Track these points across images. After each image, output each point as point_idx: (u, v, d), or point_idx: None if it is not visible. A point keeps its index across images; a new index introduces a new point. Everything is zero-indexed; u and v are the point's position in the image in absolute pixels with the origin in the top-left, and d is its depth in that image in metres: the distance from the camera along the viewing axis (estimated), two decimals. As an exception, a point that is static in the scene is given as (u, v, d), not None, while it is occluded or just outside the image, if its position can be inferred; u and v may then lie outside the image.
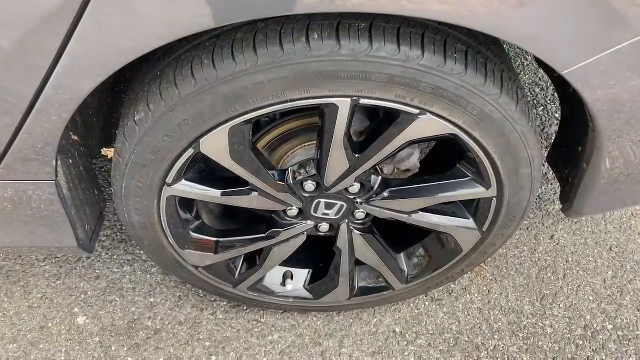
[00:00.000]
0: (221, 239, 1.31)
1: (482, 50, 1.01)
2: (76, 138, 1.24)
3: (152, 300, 1.60)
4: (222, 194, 1.17)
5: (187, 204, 1.27)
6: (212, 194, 1.17)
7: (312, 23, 0.91)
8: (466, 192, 1.19)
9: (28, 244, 1.25)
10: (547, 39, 0.88)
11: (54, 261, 1.66)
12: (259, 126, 1.25)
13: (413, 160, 1.25)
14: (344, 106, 0.98)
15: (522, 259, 1.74)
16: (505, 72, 1.04)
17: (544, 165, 1.71)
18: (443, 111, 0.99)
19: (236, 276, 1.41)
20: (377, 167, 1.26)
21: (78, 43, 0.83)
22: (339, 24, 0.91)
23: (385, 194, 1.21)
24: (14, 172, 1.05)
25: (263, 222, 1.31)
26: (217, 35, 0.96)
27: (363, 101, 0.97)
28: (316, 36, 0.90)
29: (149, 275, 1.65)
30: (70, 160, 1.19)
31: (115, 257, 1.69)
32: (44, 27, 0.82)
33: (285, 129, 1.25)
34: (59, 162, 1.08)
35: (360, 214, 1.27)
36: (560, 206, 1.36)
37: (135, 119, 1.03)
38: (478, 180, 1.17)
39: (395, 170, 1.28)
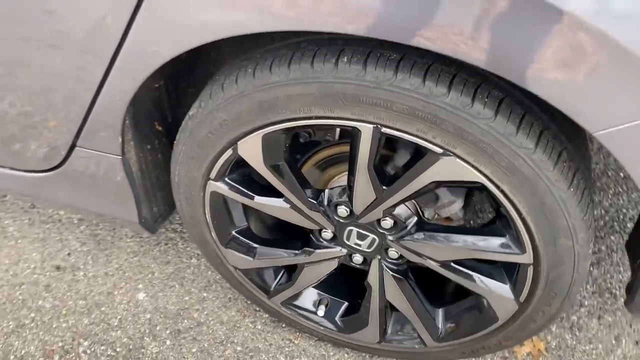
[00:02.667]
0: (259, 246, 1.37)
1: (526, 101, 0.96)
2: (160, 128, 1.41)
3: (204, 294, 1.71)
4: (256, 199, 1.23)
5: (238, 205, 1.35)
6: (248, 197, 1.24)
7: (347, 48, 0.96)
8: (500, 253, 1.11)
9: (94, 208, 1.44)
10: (580, 94, 0.82)
11: (137, 240, 1.86)
12: (313, 144, 1.30)
13: (454, 209, 1.20)
14: (366, 132, 0.99)
15: (593, 357, 1.53)
16: (551, 130, 0.97)
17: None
18: (468, 155, 0.96)
19: (271, 288, 1.45)
20: (419, 208, 1.23)
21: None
22: (371, 52, 0.94)
23: (418, 236, 1.17)
24: (89, 142, 1.24)
25: (300, 239, 1.35)
26: (266, 50, 1.04)
27: (385, 130, 0.98)
28: (345, 59, 0.94)
29: (210, 272, 1.76)
30: (149, 146, 1.36)
31: (188, 248, 1.84)
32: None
33: (336, 151, 1.28)
34: (130, 142, 1.24)
35: (393, 253, 1.24)
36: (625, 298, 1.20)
37: (190, 113, 1.15)
38: (513, 242, 1.08)
39: (436, 215, 1.24)
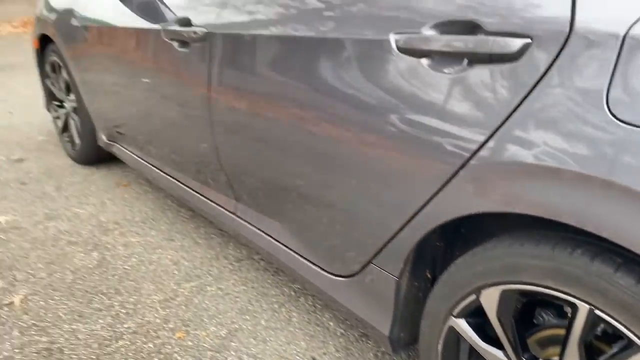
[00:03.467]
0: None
1: None
2: (428, 276, 1.86)
3: None
4: (482, 344, 1.53)
5: (466, 345, 1.64)
6: (476, 340, 1.55)
7: (582, 242, 1.28)
8: None
9: (359, 312, 1.91)
10: None
11: (313, 300, 2.25)
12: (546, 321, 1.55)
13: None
14: (582, 310, 1.26)
15: None
16: None
17: None
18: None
19: None
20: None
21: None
22: (600, 251, 1.24)
23: None
24: (383, 261, 1.76)
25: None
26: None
27: (597, 312, 1.23)
28: (579, 251, 1.27)
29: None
30: (416, 283, 1.81)
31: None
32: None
33: (560, 332, 1.51)
34: (406, 271, 1.72)
35: None
36: None
37: (456, 261, 1.58)
38: None
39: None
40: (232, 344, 2.30)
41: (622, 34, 1.10)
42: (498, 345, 1.50)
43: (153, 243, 3.11)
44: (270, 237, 2.31)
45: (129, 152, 3.50)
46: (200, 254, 3.00)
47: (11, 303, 2.57)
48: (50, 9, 3.96)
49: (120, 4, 2.94)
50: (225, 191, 2.54)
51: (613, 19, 1.13)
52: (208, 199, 2.71)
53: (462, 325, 1.57)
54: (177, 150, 2.80)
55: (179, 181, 2.96)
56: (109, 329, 2.39)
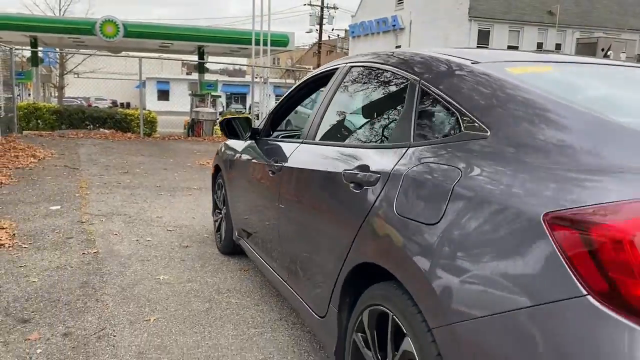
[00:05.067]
0: None
1: None
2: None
3: None
4: (363, 349, 2.62)
5: None
6: (361, 348, 2.63)
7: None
8: None
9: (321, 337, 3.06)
10: None
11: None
12: None
13: None
14: (390, 316, 2.35)
15: None
16: None
17: None
18: None
19: None
20: None
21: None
22: None
23: None
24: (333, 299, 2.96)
25: None
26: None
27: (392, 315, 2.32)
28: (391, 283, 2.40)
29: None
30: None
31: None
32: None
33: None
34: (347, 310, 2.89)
35: None
36: None
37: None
38: None
39: None
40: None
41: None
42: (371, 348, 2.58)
43: (243, 304, 4.55)
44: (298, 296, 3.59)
45: (248, 246, 5.10)
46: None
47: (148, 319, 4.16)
48: (224, 147, 6.02)
49: (254, 151, 4.75)
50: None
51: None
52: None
53: (357, 338, 2.68)
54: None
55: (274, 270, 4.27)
56: (197, 340, 3.81)
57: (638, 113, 2.18)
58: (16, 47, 20.63)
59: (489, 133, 2.08)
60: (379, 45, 49.16)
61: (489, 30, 42.85)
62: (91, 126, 17.96)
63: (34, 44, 24.13)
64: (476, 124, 2.16)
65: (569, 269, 1.53)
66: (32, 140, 15.22)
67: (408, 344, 2.17)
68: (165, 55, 30.89)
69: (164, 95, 56.03)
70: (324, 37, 56.79)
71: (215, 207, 6.45)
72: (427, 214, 2.07)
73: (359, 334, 2.66)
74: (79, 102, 45.21)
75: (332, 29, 75.26)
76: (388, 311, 2.35)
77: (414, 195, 2.22)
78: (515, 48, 41.30)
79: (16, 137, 15.30)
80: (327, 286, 2.95)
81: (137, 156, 13.63)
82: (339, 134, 3.69)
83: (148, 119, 18.09)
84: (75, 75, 47.87)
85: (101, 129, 17.73)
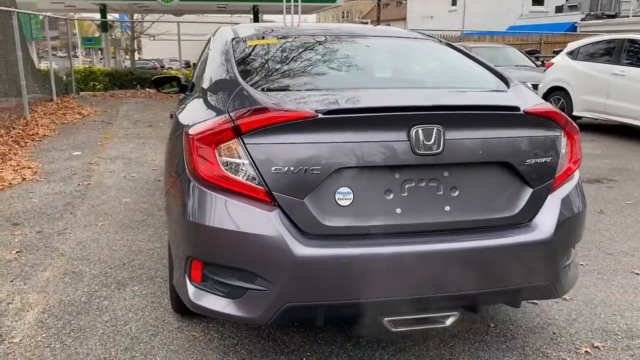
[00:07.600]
0: None
1: None
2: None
3: None
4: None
5: None
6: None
7: None
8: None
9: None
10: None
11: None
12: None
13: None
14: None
15: None
16: None
17: None
18: None
19: None
20: None
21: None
22: None
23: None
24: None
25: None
26: None
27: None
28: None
29: None
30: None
31: None
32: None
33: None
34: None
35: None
36: None
37: None
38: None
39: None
40: None
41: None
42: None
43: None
44: None
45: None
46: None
47: (98, 224, 5.91)
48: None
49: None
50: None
51: None
52: None
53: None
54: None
55: None
56: (120, 235, 5.50)
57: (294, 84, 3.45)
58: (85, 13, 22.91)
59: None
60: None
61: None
62: (138, 87, 20.13)
63: (103, 10, 26.61)
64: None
65: (184, 156, 3.00)
66: (86, 100, 17.58)
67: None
68: (219, 16, 32.68)
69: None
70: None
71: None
72: None
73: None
74: (153, 64, 48.13)
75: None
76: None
77: None
78: None
79: (72, 98, 17.70)
80: None
81: (169, 112, 15.55)
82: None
83: (189, 77, 19.95)
84: (152, 38, 50.57)
85: (147, 89, 19.85)
